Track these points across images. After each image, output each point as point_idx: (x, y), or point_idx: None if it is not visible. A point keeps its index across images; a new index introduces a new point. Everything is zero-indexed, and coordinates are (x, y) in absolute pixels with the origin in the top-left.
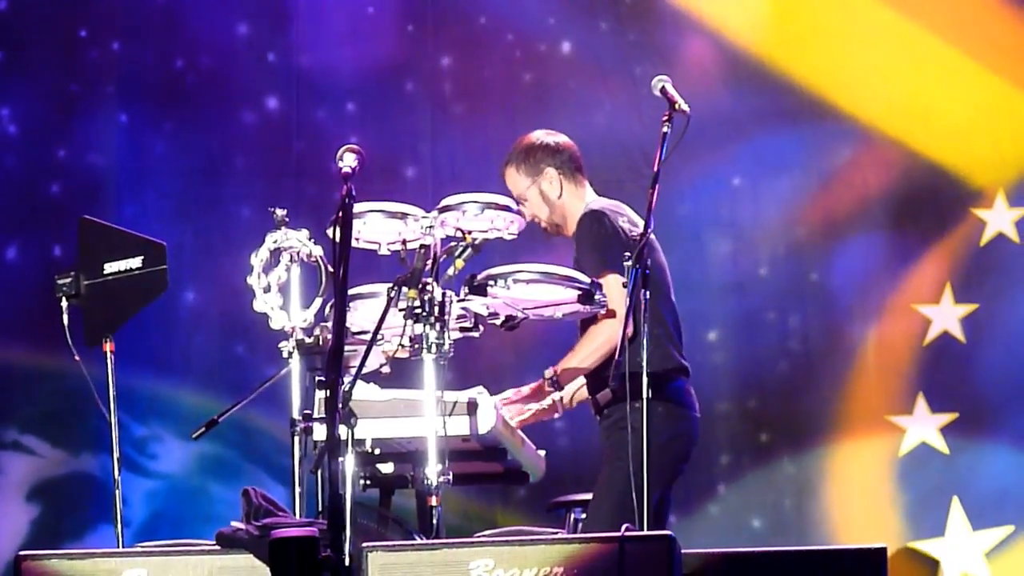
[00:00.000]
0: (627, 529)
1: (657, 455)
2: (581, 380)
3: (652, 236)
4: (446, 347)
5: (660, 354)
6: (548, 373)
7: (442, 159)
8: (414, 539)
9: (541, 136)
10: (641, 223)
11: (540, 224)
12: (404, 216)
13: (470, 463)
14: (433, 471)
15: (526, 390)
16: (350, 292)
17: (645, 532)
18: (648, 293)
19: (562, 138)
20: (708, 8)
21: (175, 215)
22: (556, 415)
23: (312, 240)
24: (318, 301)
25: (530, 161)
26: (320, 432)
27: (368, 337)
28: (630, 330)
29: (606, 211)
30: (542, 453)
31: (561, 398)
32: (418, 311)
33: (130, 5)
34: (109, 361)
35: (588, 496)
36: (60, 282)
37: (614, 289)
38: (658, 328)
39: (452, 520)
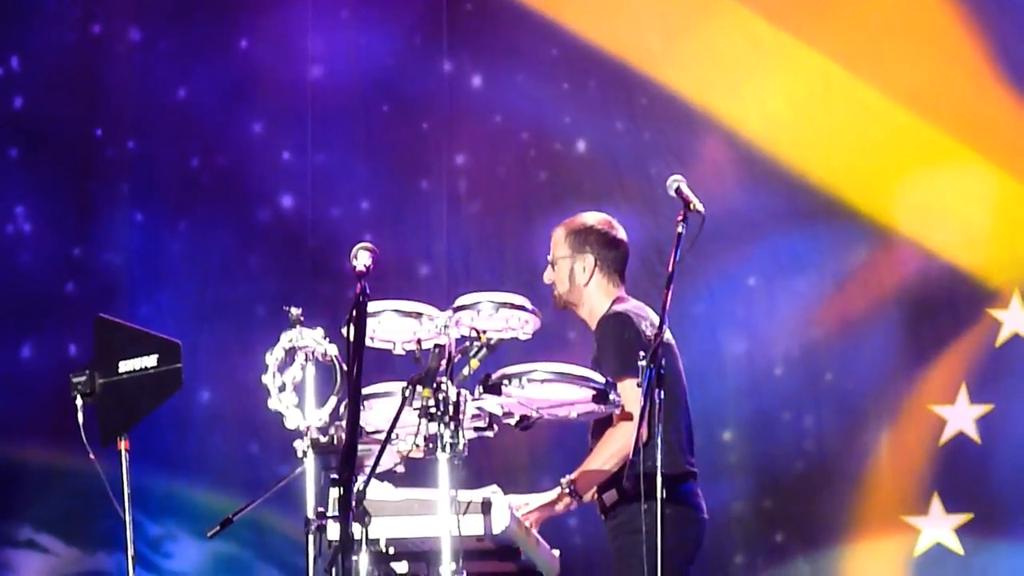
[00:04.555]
0: None
1: (666, 558)
2: None
3: (670, 338)
4: (460, 447)
5: (671, 458)
6: (565, 481)
7: (457, 258)
8: None
9: (602, 223)
10: None
11: (553, 292)
12: (419, 315)
13: (484, 562)
14: (447, 571)
15: (544, 498)
16: (364, 391)
17: None
18: (663, 393)
19: (620, 235)
20: (724, 108)
21: (190, 314)
22: (570, 508)
23: (327, 339)
24: (333, 400)
25: (579, 238)
26: (334, 531)
27: (382, 436)
28: (644, 432)
29: (629, 314)
30: (556, 552)
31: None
32: (432, 410)
33: (145, 104)
34: (124, 460)
35: None
36: (75, 380)
37: (632, 393)
38: (671, 432)
39: None
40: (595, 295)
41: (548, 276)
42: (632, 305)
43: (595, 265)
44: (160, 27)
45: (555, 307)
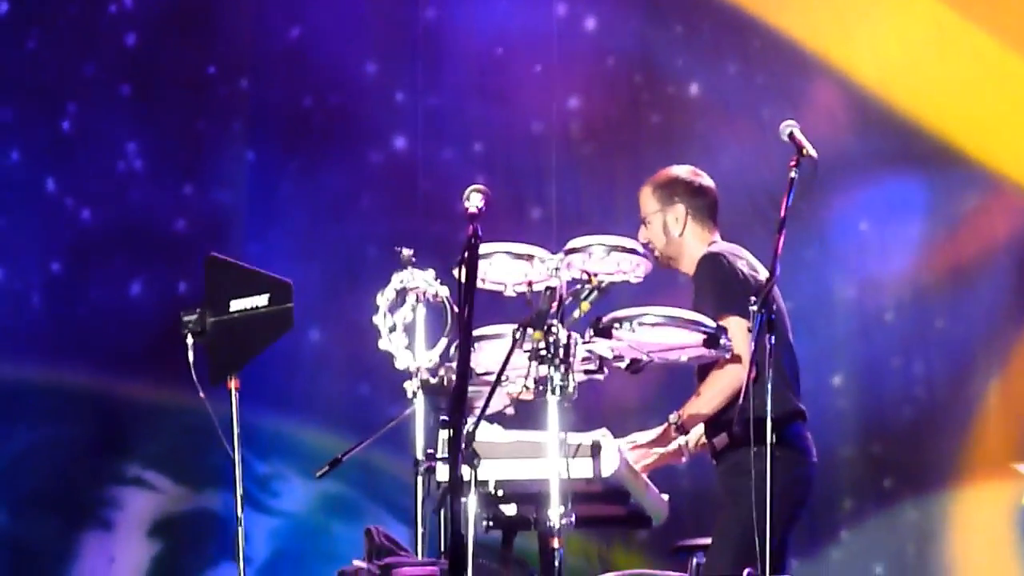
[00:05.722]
0: (749, 574)
1: (776, 500)
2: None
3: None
4: (570, 389)
5: (779, 399)
6: (673, 418)
7: (568, 200)
8: None
9: (687, 173)
10: (761, 267)
11: (652, 250)
12: (530, 257)
13: (593, 505)
14: (556, 513)
15: (651, 434)
16: (475, 333)
17: None
18: (773, 338)
19: (707, 182)
20: (836, 52)
21: (301, 253)
22: (683, 459)
23: (438, 280)
24: (443, 341)
25: (666, 191)
26: (443, 472)
27: (492, 378)
28: (753, 374)
29: (725, 253)
30: (665, 497)
31: (687, 443)
32: (543, 353)
33: (259, 43)
34: (233, 398)
35: (709, 540)
36: (186, 319)
37: (736, 332)
38: (777, 373)
39: (573, 562)
40: (691, 243)
41: (643, 235)
42: (727, 246)
43: (687, 214)
44: None
45: (659, 266)
